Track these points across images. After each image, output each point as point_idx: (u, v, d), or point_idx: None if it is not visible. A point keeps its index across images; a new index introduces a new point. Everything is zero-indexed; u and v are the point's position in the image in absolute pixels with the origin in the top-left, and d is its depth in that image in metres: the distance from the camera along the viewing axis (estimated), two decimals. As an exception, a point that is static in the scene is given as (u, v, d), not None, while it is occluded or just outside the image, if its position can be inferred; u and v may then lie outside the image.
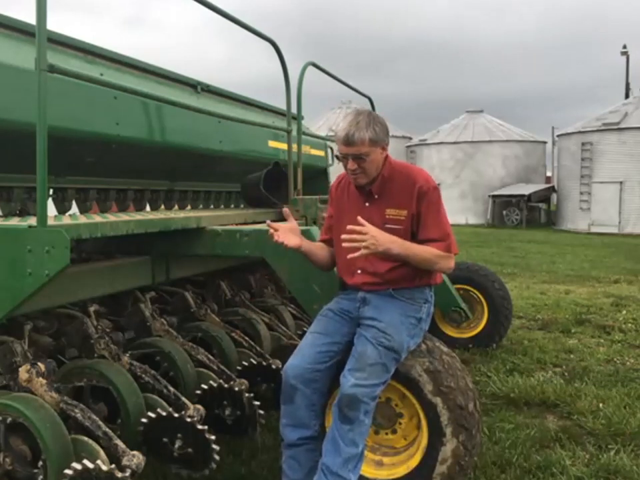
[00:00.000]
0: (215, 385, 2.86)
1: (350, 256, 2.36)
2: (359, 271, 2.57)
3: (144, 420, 2.48)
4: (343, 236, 2.36)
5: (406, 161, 26.38)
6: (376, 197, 2.56)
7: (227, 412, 2.84)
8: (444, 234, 2.49)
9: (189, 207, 4.52)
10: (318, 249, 2.69)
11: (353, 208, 2.59)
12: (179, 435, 2.45)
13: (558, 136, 25.03)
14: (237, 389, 2.84)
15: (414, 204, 2.48)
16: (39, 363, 2.38)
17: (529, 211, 24.54)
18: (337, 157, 2.55)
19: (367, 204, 2.58)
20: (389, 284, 2.53)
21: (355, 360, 2.37)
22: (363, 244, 2.30)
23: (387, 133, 2.49)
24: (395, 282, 2.52)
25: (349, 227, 2.35)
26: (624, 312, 6.75)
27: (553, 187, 26.05)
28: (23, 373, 2.36)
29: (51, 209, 2.75)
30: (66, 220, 2.49)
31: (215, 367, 3.06)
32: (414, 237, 2.50)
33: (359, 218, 2.37)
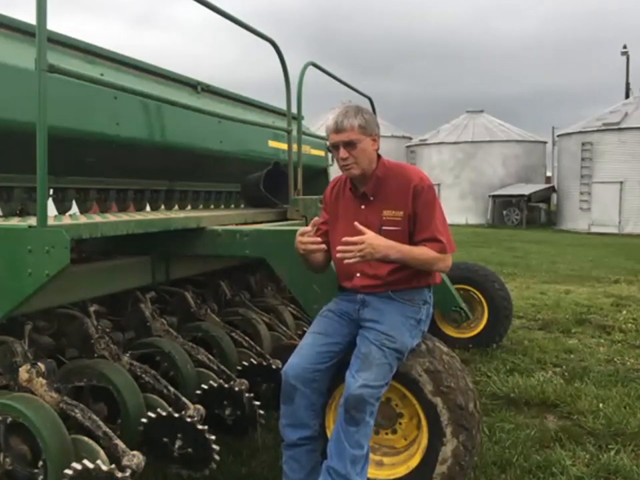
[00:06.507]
0: (215, 384, 2.86)
1: (346, 261, 2.35)
2: (358, 274, 2.56)
3: (144, 420, 2.48)
4: (338, 247, 2.34)
5: (406, 161, 26.36)
6: (371, 198, 2.54)
7: (227, 412, 2.84)
8: (439, 234, 2.46)
9: (189, 207, 4.52)
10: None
11: (349, 211, 2.58)
12: (179, 435, 2.45)
13: (558, 136, 25.04)
14: (237, 388, 2.84)
15: (410, 204, 2.46)
16: (39, 363, 2.37)
17: (529, 211, 24.53)
18: (329, 149, 2.55)
19: (362, 206, 2.56)
20: (388, 286, 2.52)
21: (360, 361, 2.36)
22: (359, 254, 2.29)
23: (376, 124, 2.50)
24: (394, 284, 2.52)
25: (344, 238, 2.33)
26: (624, 312, 6.74)
27: (553, 186, 26.05)
28: (23, 373, 2.36)
29: (51, 209, 2.75)
30: (66, 220, 2.49)
31: (215, 367, 3.06)
32: (411, 237, 2.49)
33: (356, 224, 2.36)
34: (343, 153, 2.45)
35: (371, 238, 2.32)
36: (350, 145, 2.43)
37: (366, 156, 2.47)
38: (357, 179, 2.55)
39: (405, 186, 2.47)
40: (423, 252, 2.44)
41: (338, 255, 2.36)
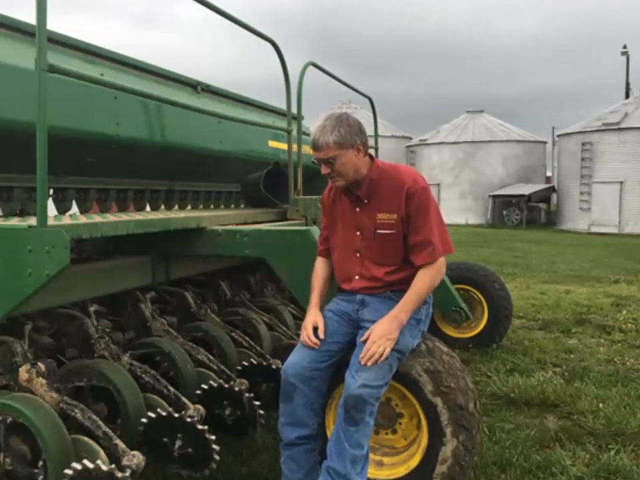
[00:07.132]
0: (215, 384, 2.86)
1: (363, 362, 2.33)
2: (357, 277, 2.56)
3: (144, 420, 2.48)
4: (362, 361, 2.32)
5: (406, 161, 26.25)
6: (365, 201, 2.53)
7: (227, 412, 2.84)
8: (430, 237, 2.43)
9: (189, 207, 4.52)
10: (324, 285, 2.68)
11: (346, 215, 2.58)
12: (179, 435, 2.45)
13: (558, 136, 25.04)
14: (237, 388, 2.84)
15: (403, 206, 2.43)
16: (39, 363, 2.37)
17: (529, 211, 24.54)
18: (314, 163, 2.55)
19: (357, 209, 2.55)
20: (387, 287, 2.52)
21: (360, 361, 2.36)
22: (380, 349, 2.31)
23: (357, 133, 2.44)
24: (393, 284, 2.51)
25: (360, 356, 2.32)
26: (624, 312, 6.75)
27: (553, 186, 26.06)
28: (22, 373, 2.36)
29: (51, 209, 2.75)
30: (66, 220, 2.49)
31: (215, 367, 3.06)
32: (405, 240, 2.48)
33: (360, 340, 2.39)
34: (324, 169, 2.47)
35: (377, 333, 2.34)
36: (328, 162, 2.44)
37: (349, 168, 2.45)
38: (349, 185, 2.54)
39: (398, 188, 2.45)
40: (419, 287, 2.43)
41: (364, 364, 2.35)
